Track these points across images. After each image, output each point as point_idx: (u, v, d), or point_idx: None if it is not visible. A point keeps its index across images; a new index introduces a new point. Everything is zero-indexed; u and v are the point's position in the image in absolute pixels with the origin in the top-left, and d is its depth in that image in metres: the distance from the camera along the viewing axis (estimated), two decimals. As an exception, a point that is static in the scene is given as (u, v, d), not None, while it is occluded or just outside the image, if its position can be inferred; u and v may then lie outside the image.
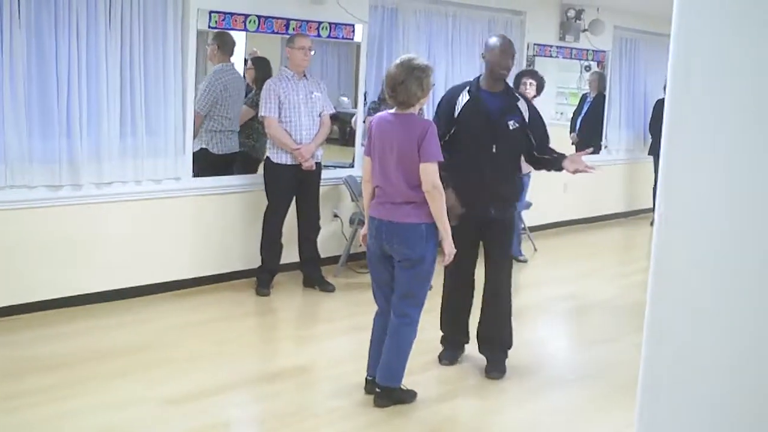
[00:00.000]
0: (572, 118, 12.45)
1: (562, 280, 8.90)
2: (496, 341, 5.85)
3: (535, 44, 10.74)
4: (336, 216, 8.48)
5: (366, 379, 5.31)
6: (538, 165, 6.00)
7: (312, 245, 7.64)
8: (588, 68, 12.40)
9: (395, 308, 5.12)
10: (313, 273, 7.74)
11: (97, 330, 6.41)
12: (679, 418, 1.68)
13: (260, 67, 8.69)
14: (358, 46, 8.71)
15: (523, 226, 9.51)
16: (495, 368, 5.77)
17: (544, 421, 5.16)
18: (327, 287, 7.71)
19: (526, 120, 5.65)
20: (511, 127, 5.58)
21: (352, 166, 8.66)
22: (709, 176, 1.66)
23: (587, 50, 11.52)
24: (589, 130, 12.04)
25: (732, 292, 1.60)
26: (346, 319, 7.08)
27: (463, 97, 5.63)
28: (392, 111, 5.02)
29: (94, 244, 6.86)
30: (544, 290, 8.52)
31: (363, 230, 5.26)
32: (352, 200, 8.32)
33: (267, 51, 9.13)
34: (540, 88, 9.06)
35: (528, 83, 8.95)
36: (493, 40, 5.74)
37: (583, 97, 12.38)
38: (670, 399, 1.70)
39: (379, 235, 5.02)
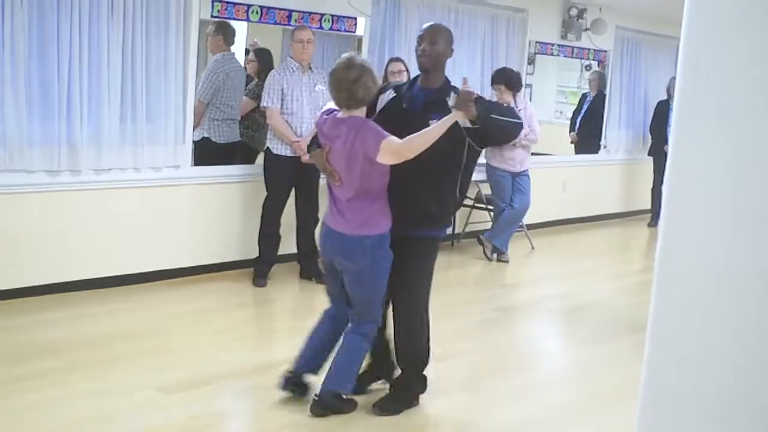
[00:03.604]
0: (572, 117, 12.48)
1: (557, 279, 8.91)
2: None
3: (536, 42, 10.75)
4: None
5: (287, 372, 4.99)
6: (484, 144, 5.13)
7: (310, 237, 7.63)
8: (588, 67, 12.42)
9: (351, 318, 4.93)
10: (310, 265, 7.73)
11: (94, 317, 6.40)
12: (681, 420, 1.69)
13: (263, 59, 8.70)
14: (360, 39, 8.70)
15: (521, 224, 9.51)
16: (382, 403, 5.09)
17: (537, 418, 5.16)
18: (323, 279, 7.70)
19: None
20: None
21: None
22: (716, 179, 1.67)
23: (589, 49, 11.53)
24: (588, 130, 12.07)
25: (737, 294, 1.61)
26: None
27: (390, 93, 4.90)
28: (341, 113, 4.66)
29: (91, 230, 6.85)
30: (539, 289, 8.53)
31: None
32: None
33: (268, 41, 9.14)
34: (512, 86, 8.97)
35: (498, 89, 8.92)
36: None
37: (583, 97, 12.41)
38: (673, 400, 1.70)
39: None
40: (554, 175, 11.17)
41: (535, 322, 7.47)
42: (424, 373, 5.14)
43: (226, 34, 8.02)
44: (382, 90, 4.92)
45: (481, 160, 9.46)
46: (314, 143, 4.92)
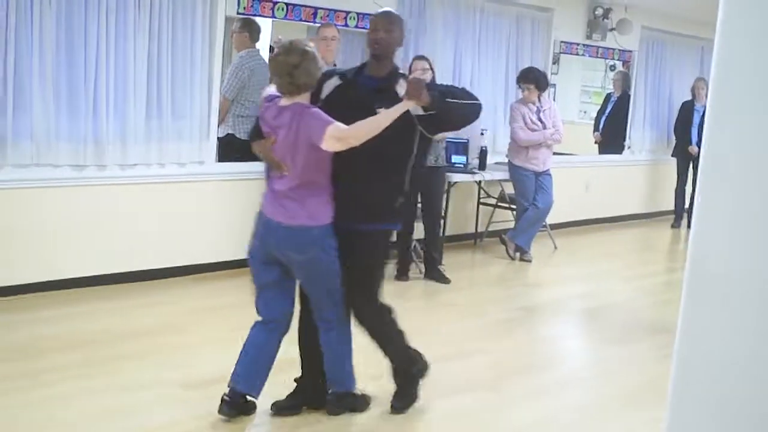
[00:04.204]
0: (596, 117, 12.43)
1: (580, 279, 8.89)
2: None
3: (561, 42, 10.71)
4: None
5: (225, 394, 4.67)
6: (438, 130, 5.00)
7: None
8: (613, 67, 12.38)
9: (318, 319, 4.73)
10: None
11: (116, 311, 6.45)
12: (712, 420, 1.69)
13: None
14: (385, 37, 8.68)
15: (544, 223, 9.48)
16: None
17: (558, 417, 5.15)
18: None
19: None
20: None
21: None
22: (748, 180, 1.66)
23: (614, 49, 11.48)
24: (612, 130, 12.03)
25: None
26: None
27: (335, 80, 4.66)
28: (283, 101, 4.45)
29: (116, 225, 6.89)
30: (561, 288, 8.51)
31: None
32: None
33: (292, 38, 9.13)
34: (541, 86, 9.01)
35: (525, 88, 8.94)
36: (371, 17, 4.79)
37: (608, 97, 12.36)
38: (703, 400, 1.70)
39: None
40: (578, 175, 11.13)
41: (557, 321, 7.45)
42: (419, 378, 5.02)
43: (251, 31, 8.03)
44: (327, 77, 4.66)
45: (503, 159, 9.48)
46: (256, 133, 4.63)
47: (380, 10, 4.87)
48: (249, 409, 4.74)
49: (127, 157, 6.89)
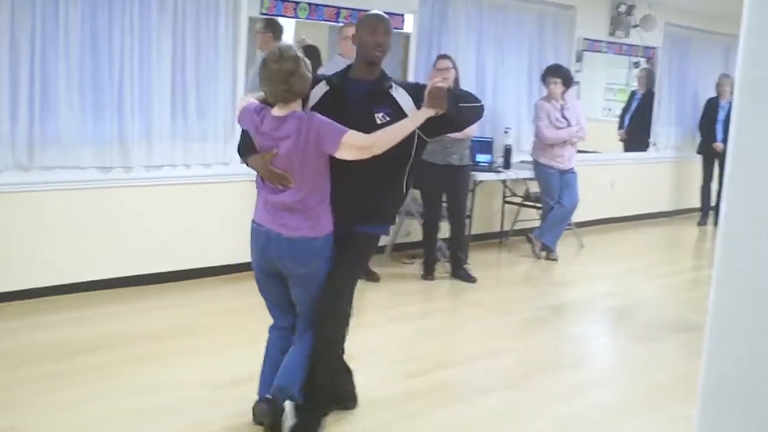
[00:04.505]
0: (621, 114, 12.39)
1: (606, 277, 8.86)
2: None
3: (584, 39, 10.67)
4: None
5: (258, 401, 4.59)
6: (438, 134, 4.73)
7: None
8: (637, 64, 12.33)
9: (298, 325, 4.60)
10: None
11: (142, 312, 6.49)
12: (744, 416, 1.68)
13: (311, 56, 8.70)
14: (407, 36, 8.70)
15: (569, 222, 9.45)
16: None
17: (585, 416, 5.13)
18: (372, 277, 7.74)
19: (405, 110, 4.39)
20: (379, 121, 4.35)
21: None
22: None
23: (637, 46, 11.43)
24: (637, 127, 11.99)
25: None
26: (390, 310, 7.09)
27: (321, 88, 4.48)
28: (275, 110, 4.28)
29: (141, 226, 6.94)
30: (588, 287, 8.48)
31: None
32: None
33: (315, 39, 9.16)
34: (567, 84, 9.01)
35: (552, 82, 8.92)
36: (361, 17, 4.66)
37: (632, 94, 12.31)
38: (734, 397, 1.69)
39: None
40: (603, 173, 11.10)
41: (583, 320, 7.42)
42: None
43: (274, 31, 8.04)
44: (314, 83, 4.46)
45: (527, 157, 9.46)
46: (245, 146, 4.47)
47: (371, 12, 4.66)
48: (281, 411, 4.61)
49: (153, 158, 6.94)
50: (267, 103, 4.31)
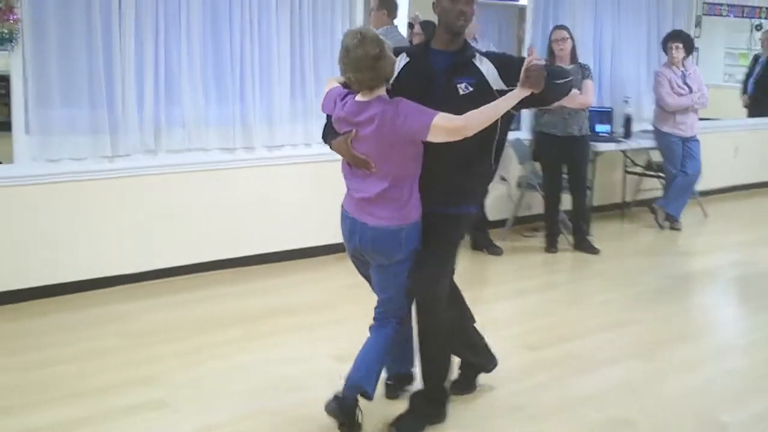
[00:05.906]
0: (744, 79, 12.08)
1: (732, 247, 8.69)
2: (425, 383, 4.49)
3: (704, 3, 10.43)
4: (503, 179, 8.46)
5: (386, 382, 4.72)
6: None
7: (480, 209, 7.67)
8: (759, 27, 12.00)
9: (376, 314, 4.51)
10: (482, 236, 7.80)
11: (273, 289, 6.67)
12: None
13: (428, 31, 8.73)
14: (522, 9, 8.63)
15: (693, 191, 9.29)
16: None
17: (712, 386, 5.06)
18: (495, 250, 7.77)
19: (489, 82, 4.18)
20: (461, 92, 4.14)
21: (519, 129, 8.62)
22: None
23: (760, 8, 11.12)
24: (761, 92, 11.65)
25: None
26: (513, 282, 7.10)
27: (402, 59, 4.29)
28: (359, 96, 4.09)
29: (265, 205, 7.11)
30: (713, 257, 8.31)
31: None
32: (520, 163, 8.33)
33: (428, 14, 9.16)
34: (689, 49, 8.83)
35: (674, 47, 8.75)
36: None
37: (755, 58, 11.97)
38: None
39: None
40: (725, 139, 10.85)
41: (709, 290, 7.31)
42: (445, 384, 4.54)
43: (390, 9, 8.08)
44: (395, 55, 4.22)
45: (648, 126, 9.32)
46: (329, 131, 4.32)
47: None
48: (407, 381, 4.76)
49: (275, 138, 7.09)
50: (350, 87, 4.16)
